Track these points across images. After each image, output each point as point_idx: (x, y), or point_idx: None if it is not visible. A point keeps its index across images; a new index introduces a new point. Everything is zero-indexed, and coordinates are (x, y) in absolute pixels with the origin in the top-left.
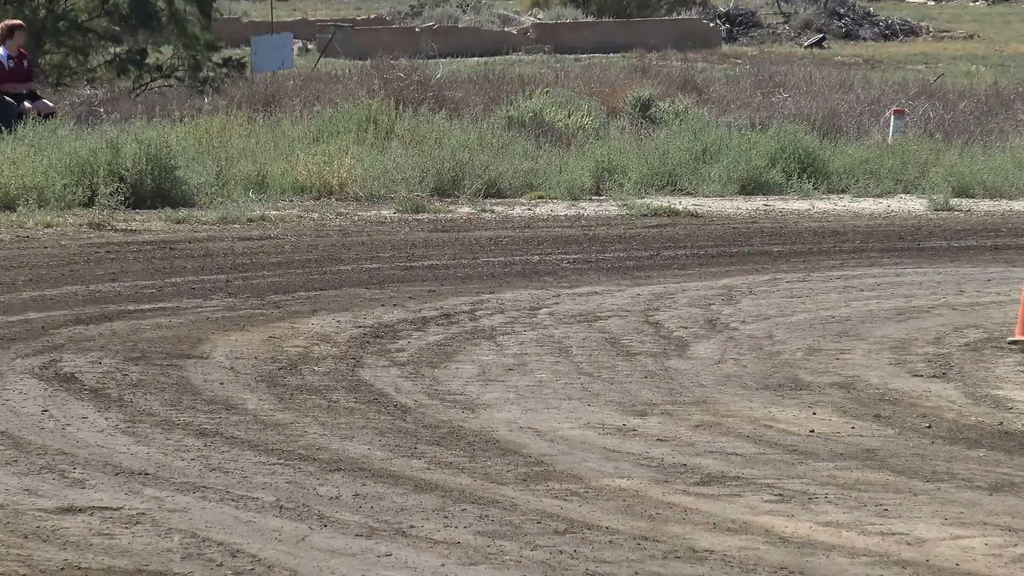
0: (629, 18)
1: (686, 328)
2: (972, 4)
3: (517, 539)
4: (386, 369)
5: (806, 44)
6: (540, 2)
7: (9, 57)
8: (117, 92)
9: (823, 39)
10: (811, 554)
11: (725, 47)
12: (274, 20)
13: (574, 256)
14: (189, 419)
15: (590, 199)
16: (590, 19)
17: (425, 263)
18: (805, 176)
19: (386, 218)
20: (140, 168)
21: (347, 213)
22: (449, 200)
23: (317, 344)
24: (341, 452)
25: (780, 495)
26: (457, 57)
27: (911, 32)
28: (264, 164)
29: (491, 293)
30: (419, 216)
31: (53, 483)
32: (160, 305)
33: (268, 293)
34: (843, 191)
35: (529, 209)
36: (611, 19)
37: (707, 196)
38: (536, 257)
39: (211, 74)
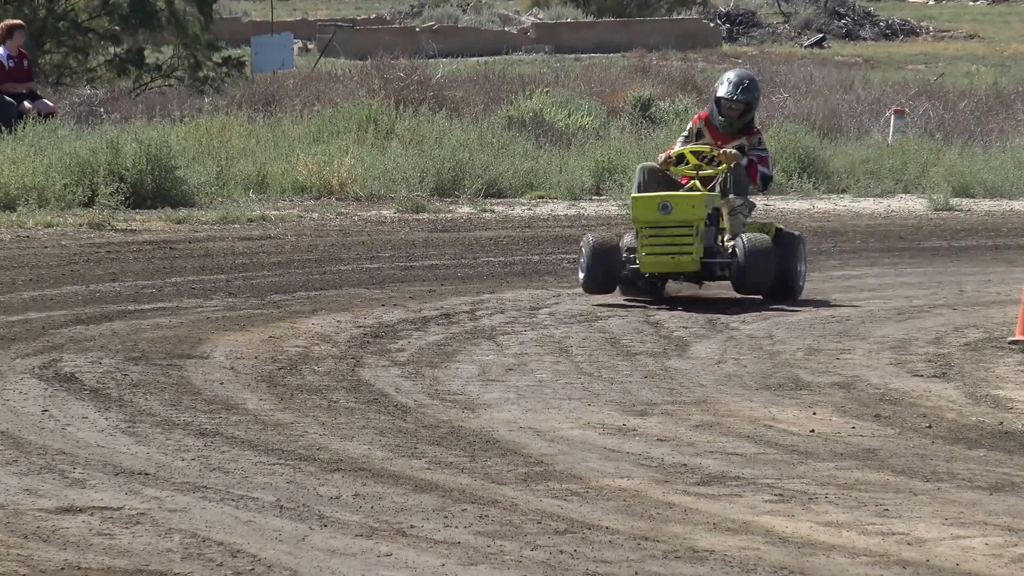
0: (629, 18)
1: (686, 328)
2: (972, 4)
3: (517, 539)
4: (386, 369)
5: (806, 44)
6: (540, 2)
7: (9, 57)
8: (117, 92)
9: (823, 39)
10: (811, 554)
11: (725, 47)
12: (274, 20)
13: (574, 256)
14: (189, 419)
15: (590, 199)
16: (590, 19)
17: (425, 263)
18: (805, 176)
19: (386, 218)
20: (140, 168)
21: (347, 213)
22: (449, 200)
23: (317, 344)
24: (341, 452)
25: (780, 495)
26: (457, 57)
27: (911, 32)
28: (264, 164)
29: (491, 293)
30: (419, 216)
31: (53, 483)
32: (160, 305)
33: (268, 293)
34: (843, 191)
35: (529, 209)
36: (611, 19)
37: None
38: (536, 257)
39: (211, 74)
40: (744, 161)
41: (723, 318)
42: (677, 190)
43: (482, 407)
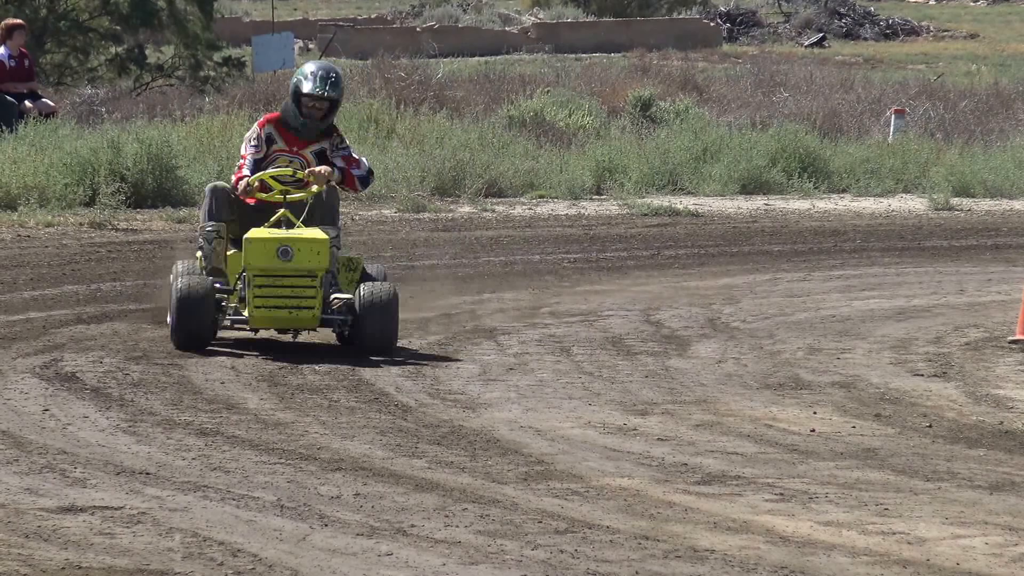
0: (630, 18)
1: (687, 327)
2: (972, 4)
3: (518, 538)
4: (387, 368)
5: (807, 43)
6: (541, 2)
7: (10, 57)
8: (118, 92)
9: (824, 38)
10: (812, 553)
11: (726, 46)
12: (275, 20)
13: (575, 255)
14: (190, 418)
15: (591, 199)
16: (591, 19)
17: (425, 263)
18: (806, 176)
19: (387, 217)
20: (141, 168)
21: (347, 213)
22: (450, 199)
23: (317, 343)
24: (342, 451)
25: (781, 494)
26: (458, 57)
27: (912, 32)
28: None
29: (492, 292)
30: (420, 215)
31: (54, 482)
32: (161, 304)
33: None
34: (844, 191)
35: (530, 208)
36: (612, 19)
37: (708, 196)
38: (537, 256)
39: (212, 74)
40: (336, 176)
41: (723, 317)
42: (263, 219)
43: (483, 406)
